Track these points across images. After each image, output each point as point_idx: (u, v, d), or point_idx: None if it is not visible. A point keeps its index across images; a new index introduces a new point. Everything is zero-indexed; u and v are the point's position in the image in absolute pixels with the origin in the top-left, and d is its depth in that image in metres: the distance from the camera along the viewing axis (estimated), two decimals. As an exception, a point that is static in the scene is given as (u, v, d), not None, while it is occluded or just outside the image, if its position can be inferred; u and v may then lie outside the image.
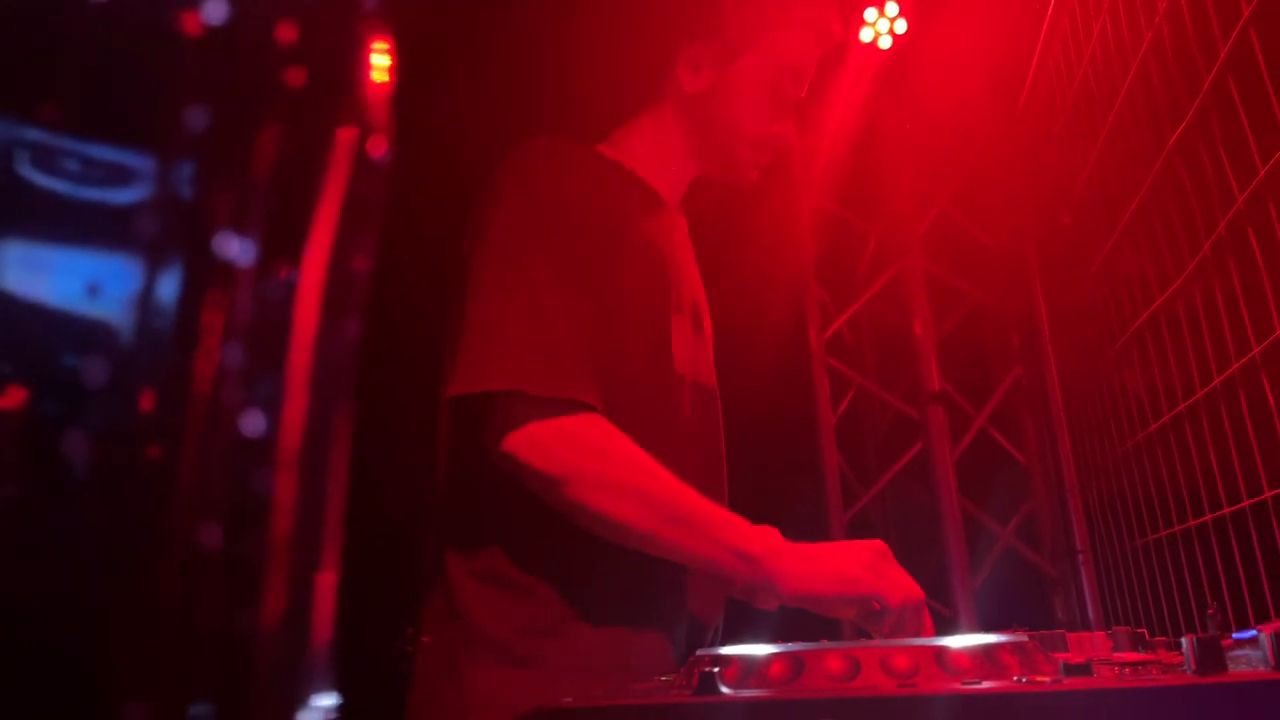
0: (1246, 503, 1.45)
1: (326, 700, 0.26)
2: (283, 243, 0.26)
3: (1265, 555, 1.40)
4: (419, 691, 1.11)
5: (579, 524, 1.06)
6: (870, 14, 2.75)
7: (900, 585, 1.02)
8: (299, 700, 0.26)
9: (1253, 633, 0.64)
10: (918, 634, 1.04)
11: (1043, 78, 2.51)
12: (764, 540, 1.04)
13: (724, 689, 0.49)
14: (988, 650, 0.54)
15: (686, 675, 0.61)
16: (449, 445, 1.19)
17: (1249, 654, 0.54)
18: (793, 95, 1.33)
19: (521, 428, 1.04)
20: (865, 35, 2.78)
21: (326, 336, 0.26)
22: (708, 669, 0.50)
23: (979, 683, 0.47)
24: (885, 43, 2.78)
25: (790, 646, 0.58)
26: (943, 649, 0.53)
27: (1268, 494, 1.37)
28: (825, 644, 0.59)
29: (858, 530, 2.81)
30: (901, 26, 2.77)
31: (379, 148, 0.27)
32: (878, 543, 1.06)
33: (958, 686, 0.46)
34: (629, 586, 1.12)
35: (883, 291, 2.97)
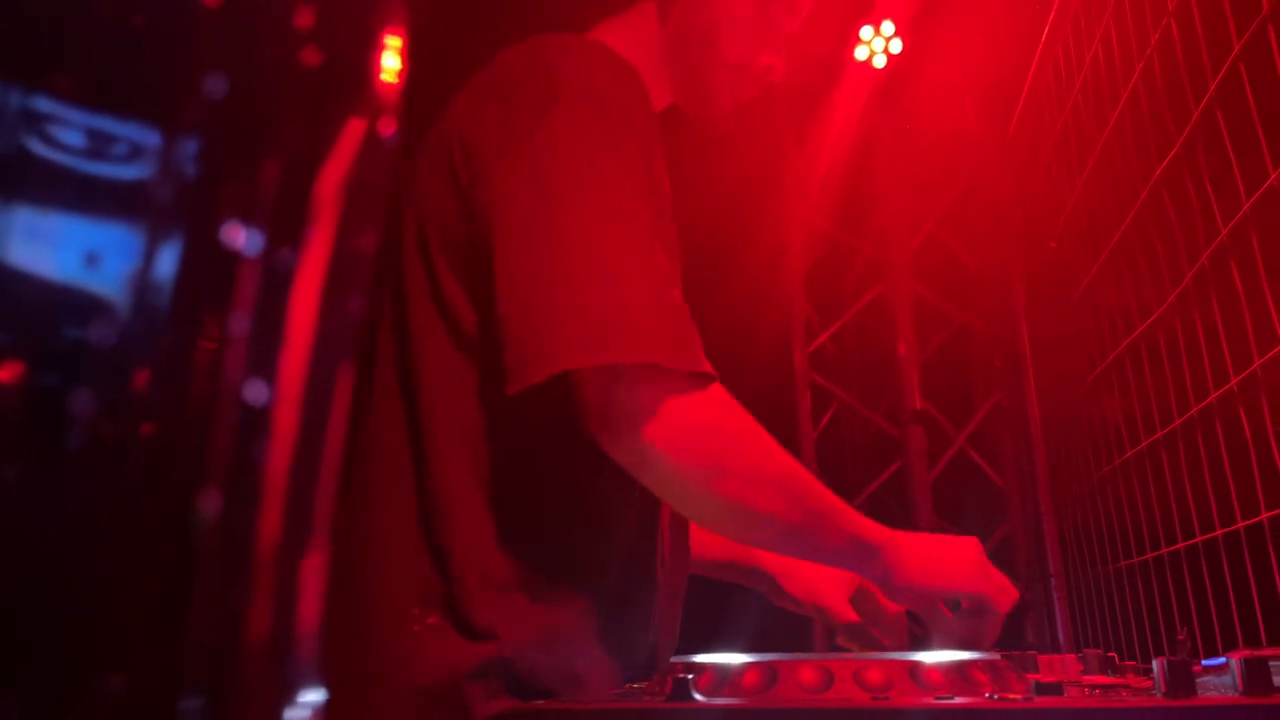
0: (1219, 532, 1.46)
1: (313, 696, 0.26)
2: (288, 221, 0.26)
3: (1236, 584, 1.41)
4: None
5: (710, 522, 0.97)
6: (866, 32, 2.77)
7: (1005, 588, 1.02)
8: (286, 698, 0.25)
9: (1222, 660, 0.64)
10: (990, 637, 1.02)
11: (1034, 103, 2.54)
12: (885, 531, 1.00)
13: (697, 696, 0.49)
14: (960, 667, 0.54)
15: (660, 682, 0.61)
16: (453, 414, 0.99)
17: (1218, 681, 0.55)
18: (783, 23, 1.19)
19: (661, 413, 0.85)
20: (860, 54, 2.79)
21: (329, 314, 0.26)
22: (681, 676, 0.50)
23: (951, 698, 0.47)
24: (880, 62, 2.80)
25: (764, 656, 0.58)
26: (916, 664, 0.53)
27: (1240, 524, 1.38)
28: (800, 655, 0.58)
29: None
30: (897, 46, 2.79)
31: (388, 128, 0.27)
32: (976, 541, 1.04)
33: (929, 701, 0.46)
34: (605, 588, 1.04)
35: (868, 309, 2.98)
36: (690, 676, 0.49)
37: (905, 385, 2.86)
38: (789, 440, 2.90)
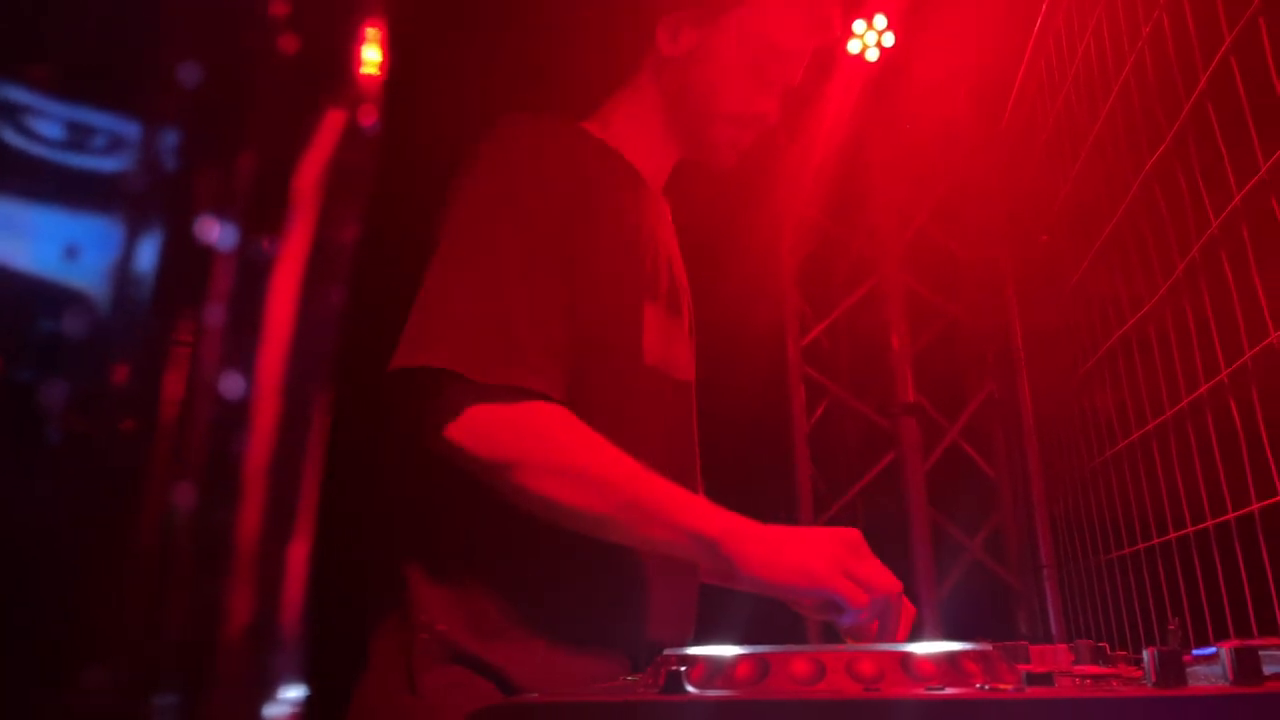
0: (1210, 522, 1.47)
1: (294, 692, 0.26)
2: (267, 213, 0.25)
3: (1227, 574, 1.42)
4: (371, 690, 1.06)
5: (529, 512, 1.00)
6: (859, 26, 2.77)
7: (874, 582, 0.97)
8: (267, 693, 0.25)
9: (1213, 649, 0.65)
10: (892, 629, 0.99)
11: (1026, 96, 2.54)
12: (723, 522, 0.98)
13: (690, 688, 0.49)
14: (952, 658, 0.54)
15: (653, 674, 0.61)
16: (393, 427, 1.14)
17: (1208, 670, 0.55)
18: (777, 76, 1.28)
19: (462, 412, 0.98)
20: (853, 47, 2.79)
21: (308, 306, 0.26)
22: (674, 668, 0.50)
23: (942, 689, 0.48)
24: (873, 55, 2.80)
25: (757, 649, 0.58)
26: (908, 655, 0.54)
27: (1231, 515, 1.39)
28: (792, 647, 0.59)
29: (827, 538, 2.81)
30: (889, 40, 2.79)
31: (369, 117, 0.27)
32: (851, 533, 1.00)
33: (921, 692, 0.46)
34: (591, 588, 1.08)
35: (861, 302, 2.99)
36: (683, 669, 0.49)
37: (898, 378, 2.87)
38: (783, 433, 2.91)
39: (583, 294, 1.10)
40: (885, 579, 0.98)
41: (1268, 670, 0.48)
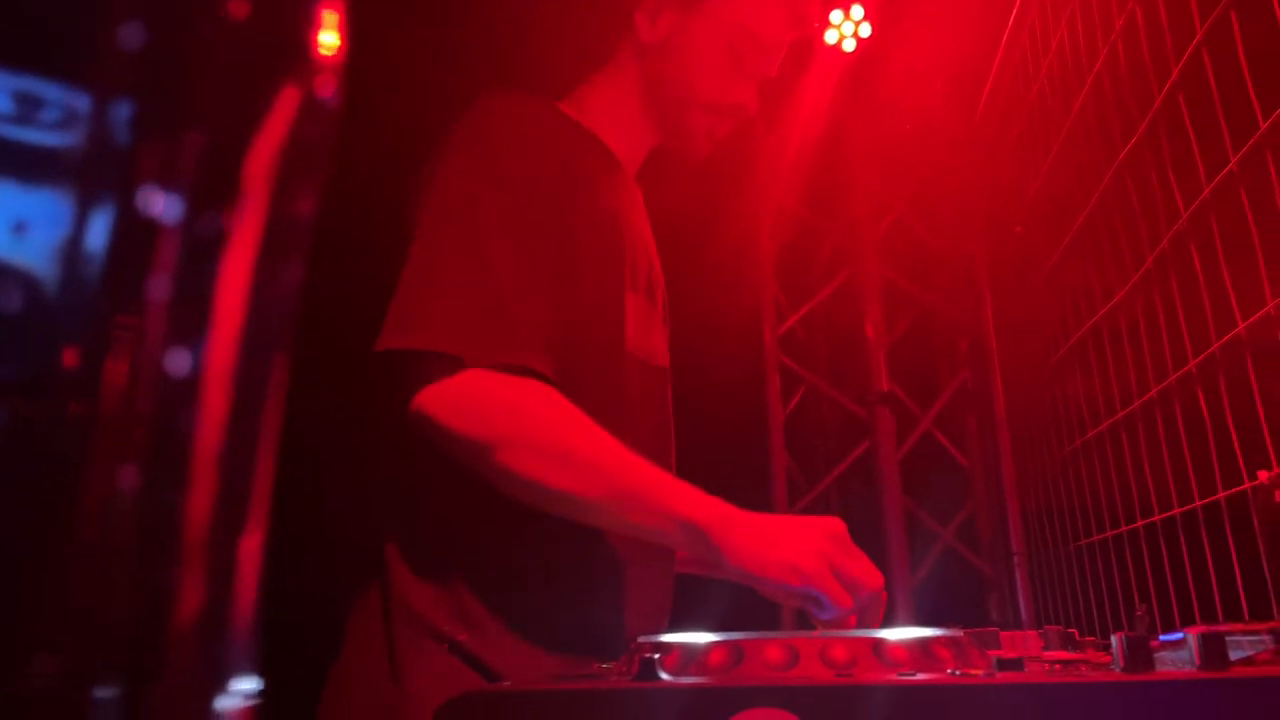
0: (1177, 510, 1.49)
1: (247, 684, 0.25)
2: (220, 189, 0.25)
3: (1194, 561, 1.44)
4: (352, 678, 1.05)
5: (511, 495, 0.97)
6: (836, 16, 2.77)
7: (857, 580, 0.94)
8: (217, 684, 0.25)
9: (1180, 635, 0.66)
10: (870, 623, 0.98)
11: (1000, 88, 2.56)
12: (713, 510, 0.95)
13: (663, 675, 0.49)
14: (924, 643, 0.54)
15: (627, 662, 0.61)
16: (377, 409, 1.12)
17: (1175, 655, 0.56)
18: (755, 66, 1.27)
19: (448, 390, 0.96)
20: (830, 37, 2.79)
21: (262, 285, 0.25)
22: (648, 655, 0.50)
23: (914, 674, 0.48)
24: (849, 45, 2.80)
25: (731, 635, 0.58)
26: (880, 641, 0.54)
27: (1198, 503, 1.41)
28: (766, 634, 0.59)
29: (802, 526, 2.83)
30: (866, 30, 2.79)
31: (327, 90, 0.26)
32: (836, 524, 0.97)
33: (893, 677, 0.46)
34: (574, 576, 1.07)
35: (837, 292, 3.00)
36: (657, 656, 0.49)
37: (873, 367, 2.89)
38: (759, 421, 2.92)
39: (566, 277, 1.08)
40: (870, 577, 0.96)
41: (1234, 655, 0.49)
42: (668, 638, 0.61)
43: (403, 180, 1.16)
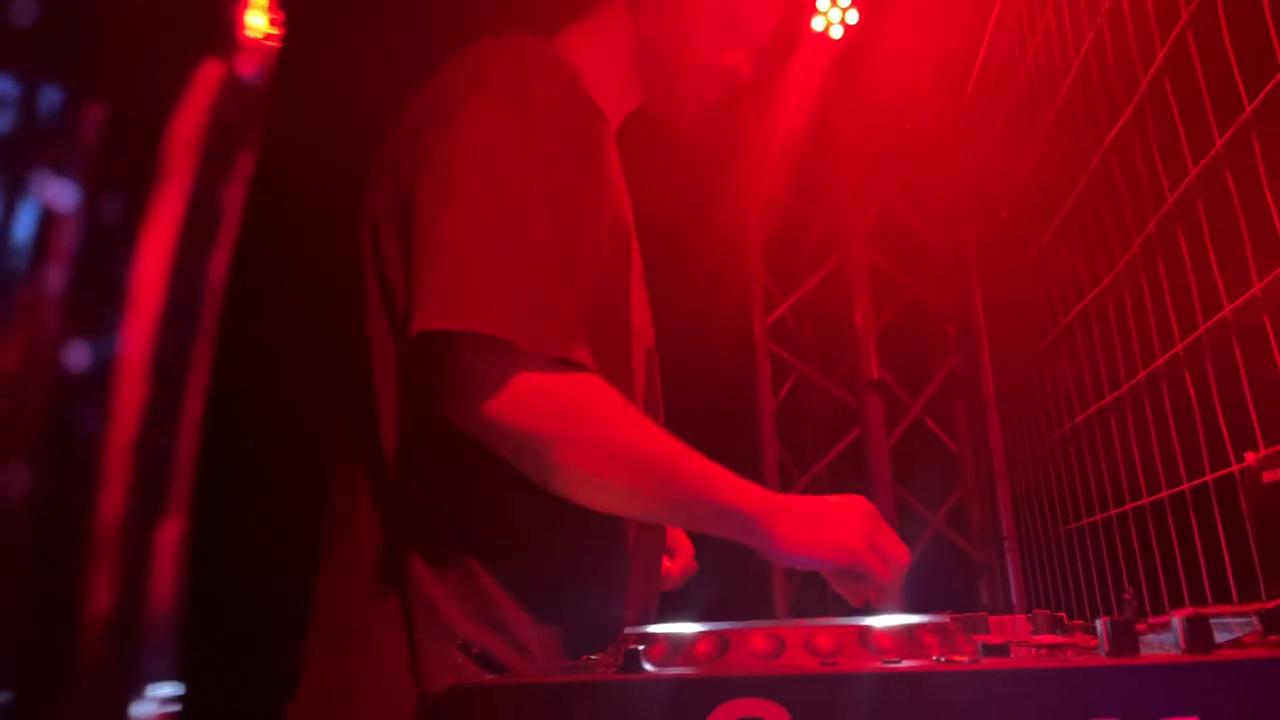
0: (1165, 493, 1.50)
1: (166, 689, 0.24)
2: (132, 170, 0.24)
3: (1182, 544, 1.45)
4: (358, 678, 0.97)
5: (562, 492, 0.94)
6: (823, 2, 2.76)
7: (891, 555, 0.98)
8: (131, 689, 0.24)
9: (1167, 618, 0.66)
10: (892, 595, 1.03)
11: (988, 74, 2.55)
12: (760, 498, 0.96)
13: (649, 667, 0.49)
14: (910, 631, 0.54)
15: (613, 653, 0.61)
16: (400, 394, 1.00)
17: (1162, 639, 0.56)
18: (751, 27, 1.21)
19: (502, 382, 0.88)
20: (817, 24, 2.78)
21: (183, 271, 0.24)
22: (633, 647, 0.49)
23: (899, 662, 0.48)
24: (837, 32, 2.79)
25: (717, 625, 0.58)
26: (866, 629, 0.54)
27: (1186, 485, 1.42)
28: (752, 623, 0.59)
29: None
30: (853, 17, 2.78)
31: (251, 65, 0.25)
32: (868, 504, 1.00)
33: (878, 665, 0.46)
34: (586, 570, 1.04)
35: (826, 280, 3.00)
36: (642, 647, 0.49)
37: (862, 355, 2.89)
38: (749, 410, 2.92)
39: (591, 256, 1.01)
40: (902, 552, 1.00)
41: (1221, 637, 0.49)
42: (654, 628, 0.61)
43: (366, 140, 1.06)
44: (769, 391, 2.94)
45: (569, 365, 0.93)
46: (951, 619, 0.69)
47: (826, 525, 0.96)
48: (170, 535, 0.24)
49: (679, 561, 1.36)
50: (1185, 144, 1.37)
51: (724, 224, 2.96)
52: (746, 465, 3.18)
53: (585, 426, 0.94)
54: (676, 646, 0.55)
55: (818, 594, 2.85)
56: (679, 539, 1.37)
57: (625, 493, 0.95)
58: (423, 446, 0.99)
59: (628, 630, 0.63)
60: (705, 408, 2.49)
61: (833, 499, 1.01)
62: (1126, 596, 0.88)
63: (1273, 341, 1.15)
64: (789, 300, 3.02)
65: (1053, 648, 0.63)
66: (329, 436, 1.10)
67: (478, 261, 0.90)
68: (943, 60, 2.87)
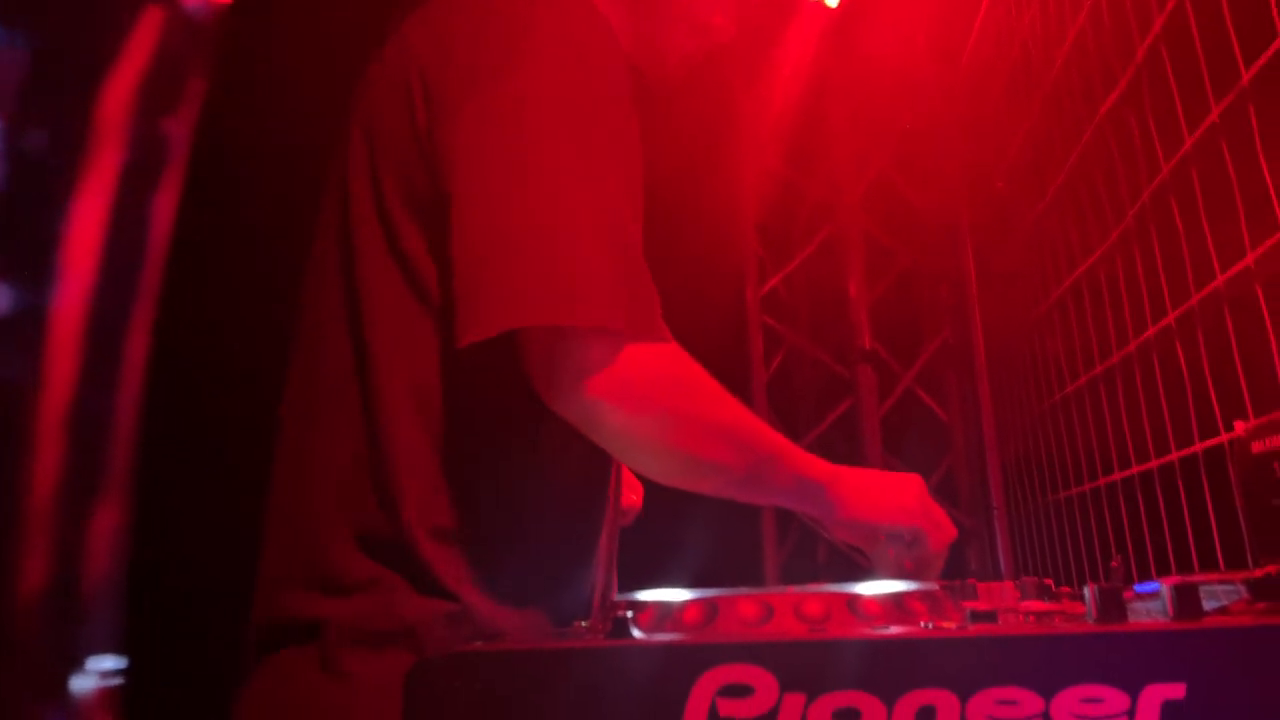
0: (1155, 463, 1.50)
1: (106, 663, 0.23)
2: (64, 112, 0.22)
3: (1170, 514, 1.46)
4: (348, 643, 0.90)
5: (663, 474, 0.94)
6: (818, -31, 2.73)
7: (943, 526, 1.04)
8: (70, 663, 0.23)
9: (1155, 586, 0.66)
10: (932, 571, 1.07)
11: (984, 43, 2.53)
12: (827, 469, 1.01)
13: (637, 633, 0.49)
14: (898, 598, 0.54)
15: (602, 620, 0.61)
16: (408, 358, 0.94)
17: (1150, 606, 0.56)
18: None
19: (609, 371, 0.84)
20: (813, -10, 2.75)
21: (123, 222, 0.23)
22: (622, 614, 0.49)
23: (887, 628, 0.48)
24: (832, 1, 2.76)
25: (705, 592, 0.58)
26: (855, 596, 0.54)
27: (1175, 455, 1.43)
28: (742, 590, 0.59)
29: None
30: (849, -17, 2.75)
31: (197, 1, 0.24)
32: (920, 479, 1.06)
33: (866, 631, 0.46)
34: (567, 539, 1.03)
35: (819, 250, 2.99)
36: (631, 614, 0.49)
37: (855, 326, 2.88)
38: (742, 382, 2.92)
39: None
40: (951, 527, 1.06)
41: (1209, 605, 0.49)
42: (643, 595, 0.61)
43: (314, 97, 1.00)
44: (761, 363, 2.94)
45: (660, 341, 0.91)
46: (940, 586, 0.69)
47: (888, 492, 1.03)
48: (111, 509, 0.24)
49: (635, 498, 1.37)
50: (1181, 114, 1.36)
51: (718, 195, 2.94)
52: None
53: (690, 411, 0.93)
54: (665, 613, 0.55)
55: (809, 561, 2.87)
56: (629, 478, 1.36)
57: (724, 469, 0.95)
58: (425, 415, 0.94)
59: (617, 597, 0.63)
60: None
61: (888, 473, 1.07)
62: (1114, 564, 0.88)
63: (1265, 312, 1.15)
64: (782, 271, 3.01)
65: (1040, 614, 0.64)
66: (291, 399, 1.04)
67: (573, 246, 0.84)
68: (938, 29, 2.84)
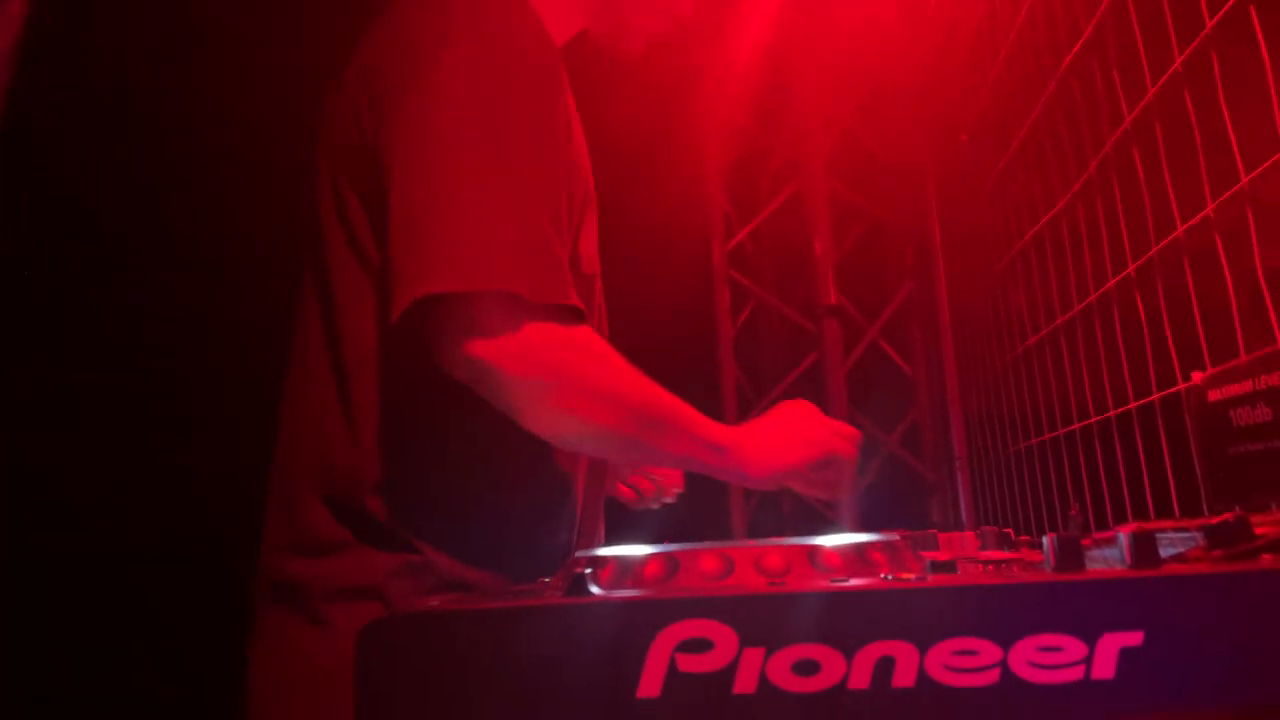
0: (1113, 412, 1.52)
1: None
2: None
3: (1127, 462, 1.48)
4: (318, 597, 0.97)
5: (555, 435, 0.97)
6: (784, -84, 2.67)
7: (846, 435, 1.08)
8: None
9: (1113, 534, 0.67)
10: (848, 484, 1.14)
11: (950, -9, 2.50)
12: (729, 434, 1.03)
13: (596, 590, 0.48)
14: (859, 549, 0.54)
15: (564, 577, 0.60)
16: (370, 348, 1.01)
17: (1107, 553, 0.56)
18: None
19: (498, 331, 0.89)
20: (778, -60, 2.70)
21: None
22: (580, 570, 0.48)
23: (847, 580, 0.47)
24: (798, -50, 2.71)
25: (667, 547, 0.57)
26: (815, 548, 0.53)
27: (1133, 404, 1.44)
28: (703, 544, 0.58)
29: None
30: (814, -68, 2.70)
31: None
32: (806, 403, 1.09)
33: (825, 584, 0.46)
34: (534, 498, 1.07)
35: (786, 205, 2.97)
36: (590, 570, 0.48)
37: (820, 280, 2.88)
38: (709, 337, 2.92)
39: (566, 196, 1.00)
40: (851, 429, 1.12)
41: (1166, 553, 0.49)
42: (604, 551, 0.60)
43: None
44: (728, 318, 2.94)
45: (566, 312, 0.94)
46: (901, 537, 0.69)
47: (785, 434, 1.05)
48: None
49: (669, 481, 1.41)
50: (1145, 62, 1.35)
51: (684, 150, 2.91)
52: (705, 391, 3.21)
53: (582, 376, 0.95)
54: (626, 569, 0.55)
55: (774, 513, 2.90)
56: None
57: (606, 431, 0.97)
58: (383, 386, 1.00)
59: (578, 554, 0.63)
60: (664, 334, 2.49)
61: (773, 413, 1.09)
62: (1073, 513, 0.89)
63: (1224, 263, 1.16)
64: (749, 226, 3.00)
65: (999, 564, 0.64)
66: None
67: (472, 224, 0.90)
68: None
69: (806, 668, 0.42)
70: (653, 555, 0.54)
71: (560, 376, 0.94)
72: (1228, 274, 1.15)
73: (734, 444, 1.02)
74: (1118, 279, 1.48)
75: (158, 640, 1.89)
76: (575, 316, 0.94)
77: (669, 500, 1.40)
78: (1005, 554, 0.81)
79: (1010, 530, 0.90)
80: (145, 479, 1.87)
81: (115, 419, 1.90)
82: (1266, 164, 1.06)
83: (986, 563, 0.67)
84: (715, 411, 3.19)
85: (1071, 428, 1.71)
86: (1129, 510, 1.46)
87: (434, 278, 0.88)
